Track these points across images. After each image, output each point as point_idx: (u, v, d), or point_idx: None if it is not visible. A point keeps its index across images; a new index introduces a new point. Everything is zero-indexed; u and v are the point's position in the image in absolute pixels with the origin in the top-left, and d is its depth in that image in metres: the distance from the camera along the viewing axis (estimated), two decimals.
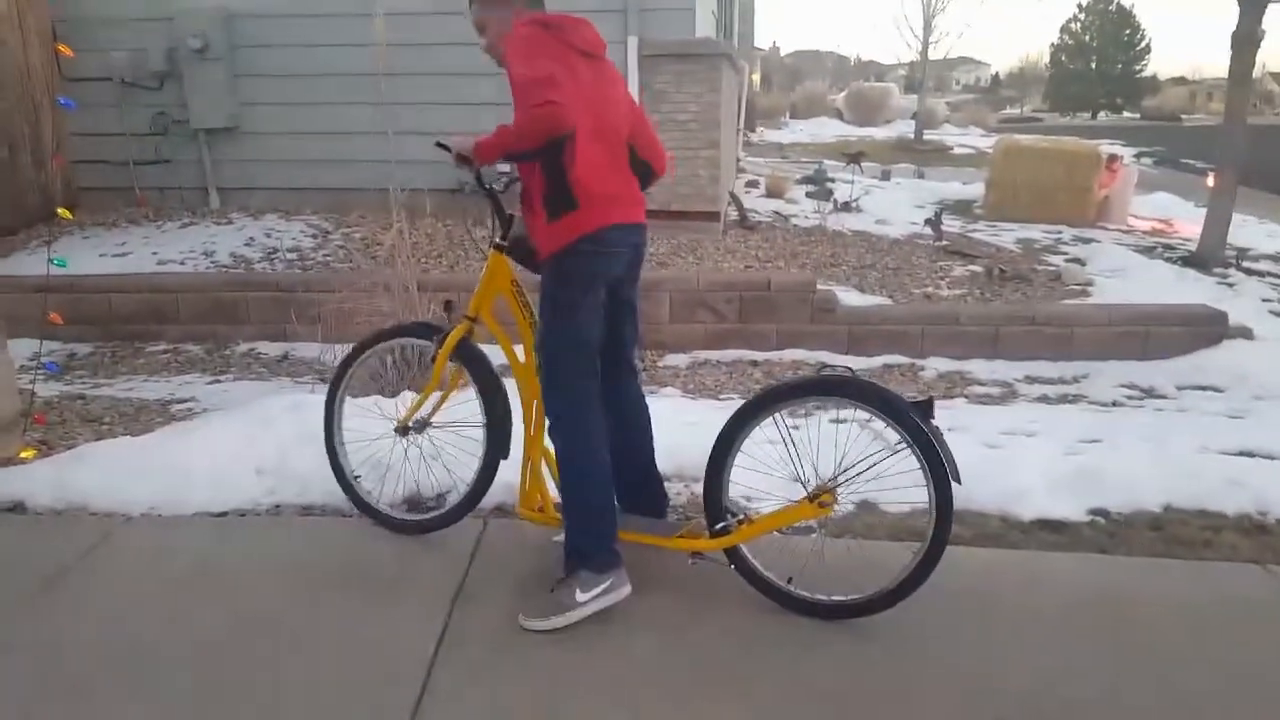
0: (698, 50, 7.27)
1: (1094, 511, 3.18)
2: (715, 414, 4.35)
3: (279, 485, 3.24)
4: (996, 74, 68.06)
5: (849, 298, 6.15)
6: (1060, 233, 9.06)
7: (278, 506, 3.20)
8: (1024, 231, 9.03)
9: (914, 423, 2.34)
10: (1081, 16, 48.24)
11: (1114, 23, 46.78)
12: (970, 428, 4.04)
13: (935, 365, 5.56)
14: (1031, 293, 6.70)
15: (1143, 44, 48.24)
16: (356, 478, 3.08)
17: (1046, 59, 53.02)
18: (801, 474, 2.53)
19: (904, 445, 2.37)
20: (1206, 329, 5.78)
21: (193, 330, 5.98)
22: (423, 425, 2.92)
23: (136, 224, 7.33)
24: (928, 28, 22.77)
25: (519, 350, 2.81)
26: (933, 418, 2.37)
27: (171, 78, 7.46)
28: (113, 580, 2.72)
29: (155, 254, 6.67)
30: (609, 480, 2.61)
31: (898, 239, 8.33)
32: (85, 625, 2.49)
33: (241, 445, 3.42)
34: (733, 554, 2.59)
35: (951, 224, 9.18)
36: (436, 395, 2.89)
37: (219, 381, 5.26)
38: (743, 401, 2.59)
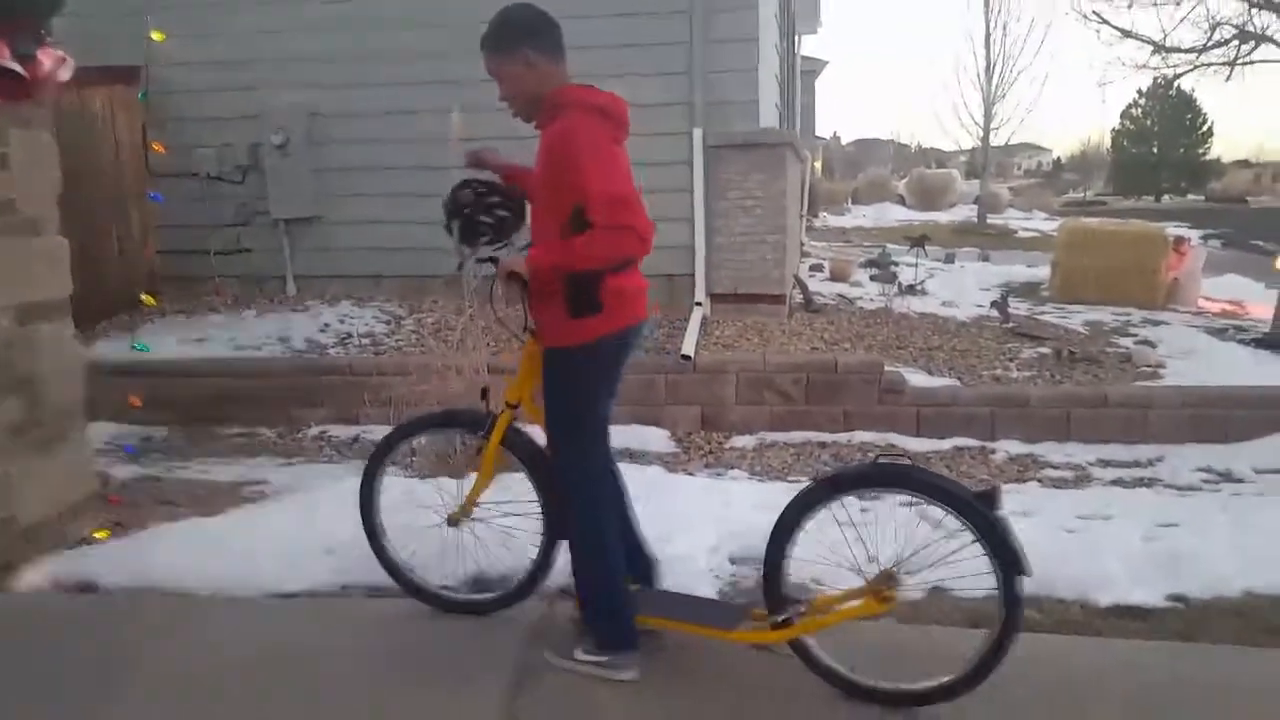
0: (762, 140, 7.44)
1: (1173, 598, 3.08)
2: (782, 497, 4.29)
3: (348, 565, 3.27)
4: (1058, 158, 67.83)
5: (916, 379, 6.07)
6: (1129, 315, 8.86)
7: (346, 587, 3.23)
8: (1092, 314, 8.86)
9: (979, 513, 2.29)
10: (1142, 102, 48.07)
11: (1175, 108, 46.44)
12: (1044, 511, 3.93)
13: (1006, 448, 5.43)
14: (1102, 375, 6.54)
15: (1205, 127, 47.74)
16: (405, 563, 3.07)
17: (1108, 143, 52.75)
18: (861, 564, 2.48)
19: (970, 536, 2.31)
20: None
21: (266, 414, 6.15)
22: (468, 512, 2.93)
23: (216, 311, 7.64)
24: (988, 115, 22.91)
25: None
26: (998, 507, 2.31)
27: (254, 171, 7.86)
28: (180, 661, 2.76)
29: (232, 339, 6.92)
30: (621, 565, 2.65)
31: (964, 321, 8.24)
32: (152, 705, 2.51)
33: (311, 526, 3.48)
34: (796, 645, 2.54)
35: (1018, 306, 9.06)
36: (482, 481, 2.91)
37: (290, 465, 5.38)
38: (801, 489, 2.57)
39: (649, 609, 2.72)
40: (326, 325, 7.18)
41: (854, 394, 5.86)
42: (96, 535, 3.65)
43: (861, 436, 5.68)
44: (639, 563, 2.87)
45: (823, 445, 5.64)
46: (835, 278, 9.97)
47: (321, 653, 2.77)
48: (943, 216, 25.20)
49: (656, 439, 5.74)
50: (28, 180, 3.41)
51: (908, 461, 2.44)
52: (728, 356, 6.29)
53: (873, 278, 9.89)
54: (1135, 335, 7.94)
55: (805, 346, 6.78)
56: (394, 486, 3.11)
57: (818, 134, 27.53)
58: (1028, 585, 2.96)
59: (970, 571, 2.30)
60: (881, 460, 2.48)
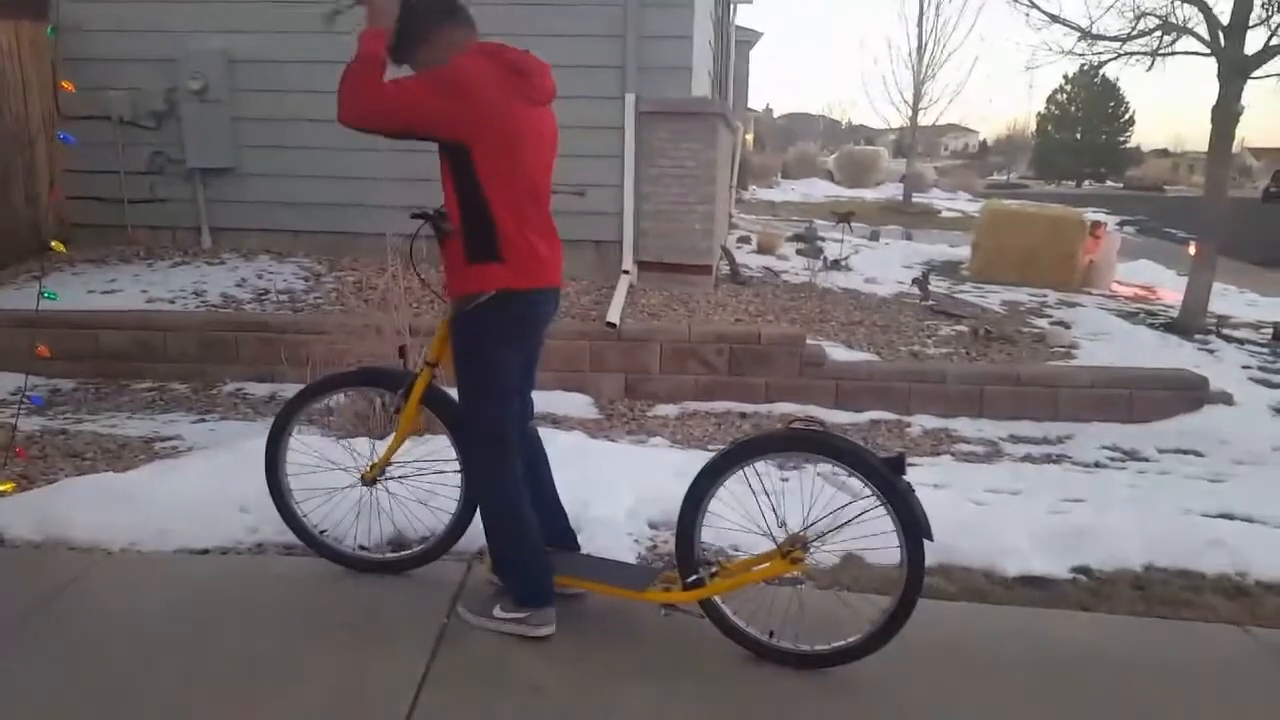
0: (694, 109, 7.42)
1: (1077, 569, 3.20)
2: (702, 464, 4.36)
3: (262, 524, 3.21)
4: (984, 141, 69.47)
5: (837, 353, 6.20)
6: (1045, 296, 9.19)
7: (260, 545, 3.17)
8: (1009, 294, 9.16)
9: (885, 479, 2.35)
10: (1068, 88, 49.50)
11: (1099, 95, 48.00)
12: (955, 484, 4.07)
13: (921, 422, 5.60)
14: (1016, 354, 6.77)
15: (1126, 116, 49.49)
16: (313, 523, 3.01)
17: (1033, 128, 54.23)
18: (773, 528, 2.53)
19: (876, 501, 2.37)
20: (1188, 393, 5.85)
21: (180, 369, 5.97)
22: (383, 471, 2.91)
23: (127, 262, 7.33)
24: (917, 94, 23.30)
25: None
26: (904, 474, 2.39)
27: (170, 118, 7.52)
28: (90, 615, 2.69)
29: (145, 292, 6.67)
30: (533, 522, 2.65)
31: (886, 298, 8.43)
32: (59, 660, 2.45)
33: (225, 483, 3.40)
34: (706, 605, 2.58)
35: (938, 285, 9.31)
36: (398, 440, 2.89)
37: (204, 420, 5.23)
38: (714, 454, 2.60)
39: (563, 570, 2.73)
40: (243, 280, 6.97)
41: (776, 366, 5.96)
42: (2, 488, 3.51)
43: (782, 408, 5.78)
44: (558, 531, 2.88)
45: (744, 415, 5.74)
46: (762, 250, 10.08)
47: (235, 610, 2.72)
48: (869, 194, 25.66)
49: (579, 405, 5.76)
50: None
51: (820, 428, 2.48)
52: (653, 325, 6.32)
53: (799, 252, 10.04)
54: (1050, 316, 8.24)
55: (730, 318, 6.85)
56: (308, 445, 3.04)
57: (750, 106, 27.60)
58: (938, 554, 3.12)
59: (878, 537, 2.36)
60: (794, 426, 2.53)
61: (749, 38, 21.25)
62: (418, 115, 2.38)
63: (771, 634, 2.53)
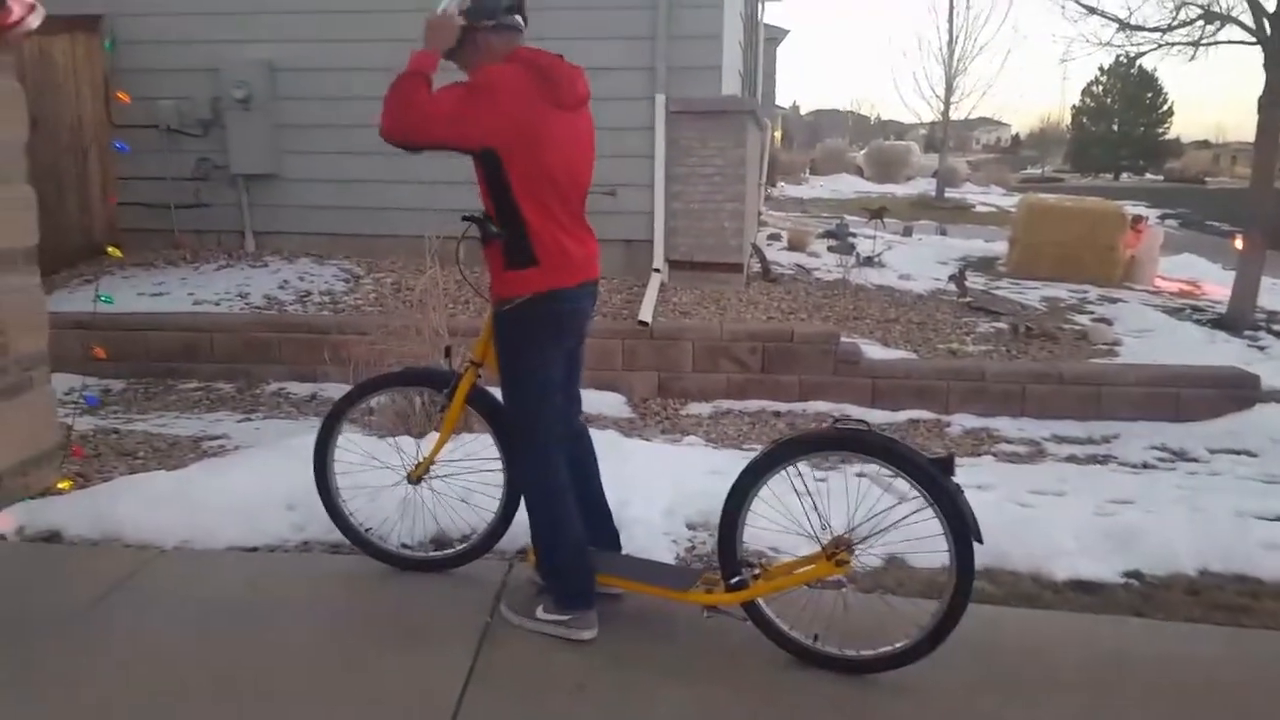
0: (724, 107, 7.42)
1: (1128, 574, 3.13)
2: (739, 464, 4.35)
3: (308, 522, 3.26)
4: (1017, 134, 68.54)
5: (873, 351, 6.17)
6: (1086, 292, 9.06)
7: (307, 543, 3.23)
8: (1049, 290, 9.04)
9: (933, 480, 2.31)
10: (1104, 80, 48.66)
11: (1136, 86, 47.12)
12: (999, 486, 4.02)
13: (961, 421, 5.55)
14: (1058, 351, 6.70)
15: (1165, 107, 48.55)
16: (360, 521, 3.05)
17: (1068, 120, 53.41)
18: (816, 530, 2.49)
19: (923, 502, 2.33)
20: (1238, 392, 5.73)
21: (225, 369, 6.08)
22: (428, 470, 2.94)
23: (174, 265, 7.48)
24: (949, 88, 23.05)
25: None
26: (952, 474, 2.34)
27: (215, 125, 7.68)
28: (144, 612, 2.74)
29: (191, 294, 6.80)
30: (577, 523, 2.66)
31: (921, 294, 8.36)
32: (114, 655, 2.51)
33: (272, 482, 3.45)
34: (749, 608, 2.55)
35: (975, 281, 9.22)
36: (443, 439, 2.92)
37: (249, 419, 5.33)
38: (757, 453, 2.58)
39: (604, 569, 2.74)
40: (285, 282, 7.08)
41: (810, 364, 5.93)
42: (60, 486, 3.60)
43: (817, 406, 5.76)
44: (604, 531, 2.90)
45: (778, 414, 5.72)
46: (793, 247, 10.03)
47: (283, 607, 2.77)
48: (900, 189, 25.40)
49: (613, 404, 5.78)
50: None
51: (866, 427, 2.44)
52: (685, 324, 6.33)
53: (830, 249, 9.97)
54: (1092, 312, 8.13)
55: (762, 315, 6.84)
56: (354, 445, 3.09)
57: (777, 103, 27.45)
58: (984, 557, 3.07)
59: (925, 539, 2.32)
60: (839, 425, 2.49)
61: (776, 35, 21.15)
62: (453, 127, 2.45)
63: (816, 638, 2.51)
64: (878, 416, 5.54)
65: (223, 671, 2.44)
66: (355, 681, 2.40)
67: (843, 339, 6.05)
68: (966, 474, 4.32)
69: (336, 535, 3.12)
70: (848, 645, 2.48)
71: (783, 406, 5.80)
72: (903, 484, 2.38)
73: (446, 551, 3.06)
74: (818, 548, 2.50)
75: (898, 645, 2.43)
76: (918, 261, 10.15)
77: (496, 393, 2.81)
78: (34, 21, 3.28)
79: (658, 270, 7.21)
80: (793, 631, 2.53)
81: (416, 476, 2.94)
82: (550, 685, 2.42)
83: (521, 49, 2.57)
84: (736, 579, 2.53)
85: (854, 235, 10.58)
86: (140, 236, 7.67)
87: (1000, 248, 11.48)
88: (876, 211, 11.59)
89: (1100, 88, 49.09)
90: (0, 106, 3.37)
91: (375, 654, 2.52)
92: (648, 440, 4.89)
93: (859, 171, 30.86)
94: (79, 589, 2.84)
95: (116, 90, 4.76)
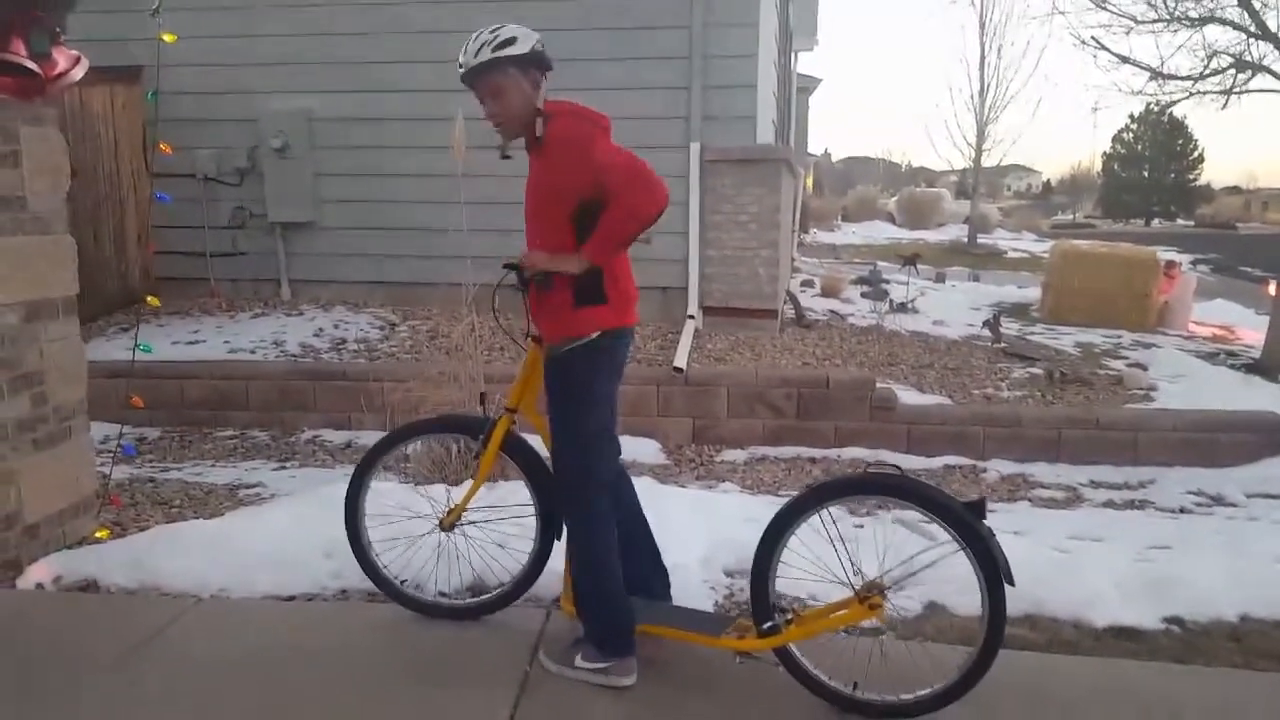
0: (758, 156, 7.50)
1: (1168, 620, 3.08)
2: (774, 510, 4.33)
3: (345, 570, 3.27)
4: (1048, 181, 68.41)
5: (908, 397, 6.13)
6: (1120, 338, 8.96)
7: (344, 591, 3.24)
8: (1082, 335, 8.96)
9: (965, 523, 2.30)
10: (1134, 127, 48.59)
11: (1166, 133, 47.00)
12: (1035, 531, 3.97)
13: (997, 467, 5.48)
14: (1093, 397, 6.61)
15: (1196, 153, 48.32)
16: (392, 571, 3.05)
17: (1098, 167, 53.27)
18: (849, 575, 2.48)
19: (955, 546, 2.32)
20: (1274, 436, 5.65)
21: (260, 417, 6.15)
22: (460, 517, 2.94)
23: (210, 314, 7.63)
24: (980, 136, 23.11)
25: None
26: (984, 518, 2.33)
27: (252, 174, 7.87)
28: (182, 660, 2.76)
29: (227, 342, 6.92)
30: (618, 571, 2.64)
31: (955, 340, 8.31)
32: (150, 705, 2.52)
33: (309, 530, 3.48)
34: (782, 654, 2.53)
35: (1009, 327, 9.16)
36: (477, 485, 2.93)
37: (284, 468, 5.38)
38: (790, 498, 2.57)
39: (639, 616, 2.72)
40: (321, 330, 7.19)
41: (845, 410, 5.90)
42: (98, 535, 3.64)
43: (852, 452, 5.72)
44: (657, 571, 2.90)
45: (813, 461, 5.68)
46: (826, 294, 10.04)
47: (320, 656, 2.77)
48: (932, 236, 25.37)
49: (648, 450, 5.77)
50: (38, 178, 3.41)
51: (898, 471, 2.44)
52: (720, 370, 6.33)
53: (864, 295, 9.96)
54: (1126, 358, 8.03)
55: (797, 362, 6.83)
56: (389, 493, 3.11)
57: (810, 150, 27.67)
58: (1023, 604, 3.04)
59: (958, 584, 2.31)
60: (871, 470, 2.50)
61: (808, 84, 21.40)
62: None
63: (856, 685, 2.47)
64: (913, 462, 5.49)
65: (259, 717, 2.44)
66: None
67: (878, 385, 6.02)
68: (1003, 519, 4.30)
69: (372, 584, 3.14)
70: (883, 691, 2.45)
71: (818, 453, 5.76)
72: (935, 528, 2.36)
73: (482, 598, 3.05)
74: (851, 593, 2.48)
75: (929, 690, 2.40)
76: (951, 307, 10.11)
77: (533, 441, 2.83)
78: (78, 74, 3.36)
79: (692, 317, 7.25)
80: (826, 677, 2.50)
81: (449, 524, 2.95)
82: None
83: (560, 102, 2.62)
84: (769, 624, 2.51)
85: (887, 281, 10.57)
86: (177, 285, 7.85)
87: (1033, 293, 11.42)
88: (909, 258, 11.59)
89: (1131, 134, 49.01)
90: (43, 157, 3.46)
91: (414, 703, 2.52)
92: (683, 487, 4.87)
93: (890, 218, 30.89)
94: (116, 638, 2.87)
95: (157, 140, 4.88)
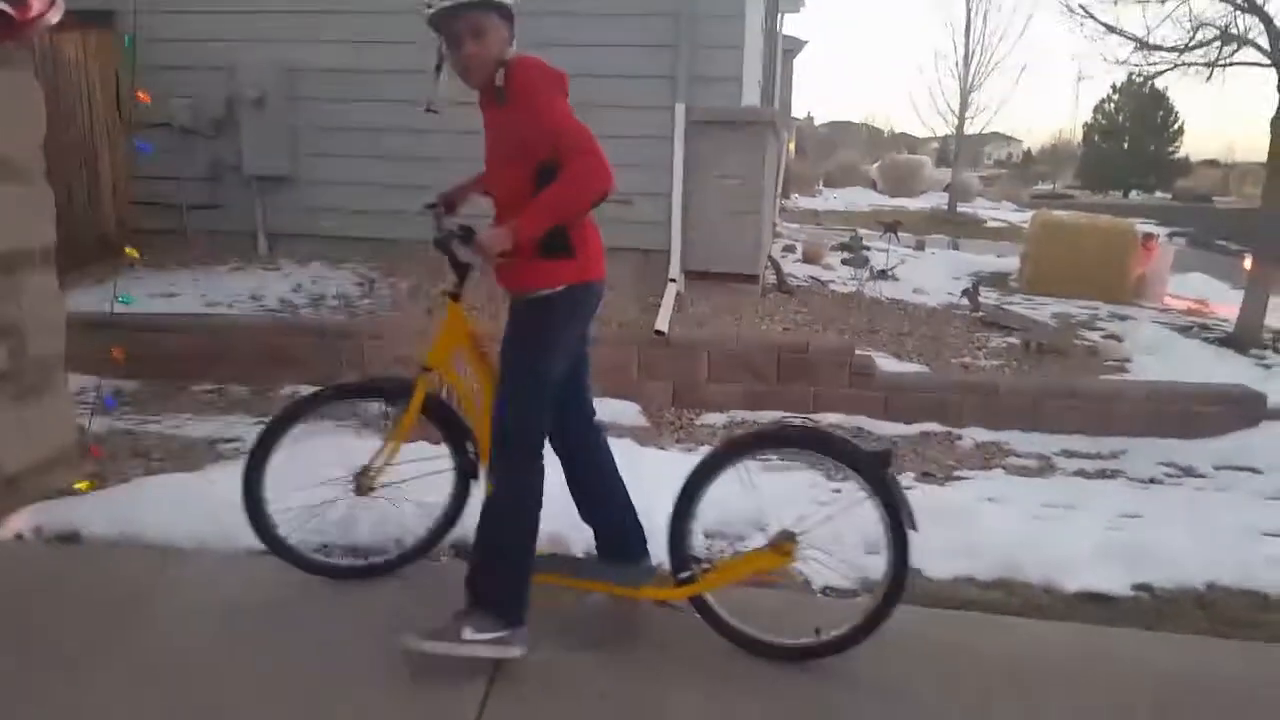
0: (744, 118, 7.45)
1: (1138, 587, 3.17)
2: (753, 474, 4.37)
3: (325, 525, 3.27)
4: (1028, 150, 68.46)
5: (887, 364, 6.18)
6: (1096, 309, 9.07)
7: (325, 545, 3.24)
8: (1060, 306, 9.05)
9: (872, 471, 2.41)
10: (1115, 98, 48.65)
11: (1148, 105, 47.10)
12: (1010, 499, 4.04)
13: (973, 435, 5.55)
14: (1069, 367, 6.70)
15: (1176, 125, 48.51)
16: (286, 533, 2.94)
17: (1079, 137, 53.39)
18: (764, 524, 2.64)
19: (865, 494, 2.43)
20: (1245, 410, 5.74)
21: (238, 372, 6.09)
22: (375, 480, 2.85)
23: (186, 267, 7.52)
24: (964, 103, 23.09)
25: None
26: (889, 466, 2.44)
27: (229, 125, 7.73)
28: (166, 612, 2.77)
29: (204, 296, 6.83)
30: (535, 536, 2.57)
31: (934, 308, 8.38)
32: (136, 656, 2.53)
33: (288, 485, 3.47)
34: (697, 602, 2.62)
35: (988, 296, 9.23)
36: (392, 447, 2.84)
37: (263, 422, 5.32)
38: (706, 453, 2.65)
39: (557, 571, 2.73)
40: (299, 285, 7.12)
41: (824, 376, 5.94)
42: (78, 486, 3.62)
43: (830, 418, 5.74)
44: (633, 534, 2.86)
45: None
46: (808, 260, 10.06)
47: (299, 608, 2.79)
48: (913, 203, 25.44)
49: (628, 413, 5.78)
50: (12, 125, 3.34)
51: (812, 425, 2.58)
52: (701, 334, 6.34)
53: (845, 261, 10.00)
54: (1102, 329, 8.13)
55: (777, 327, 6.85)
56: (302, 453, 2.94)
57: (793, 114, 27.52)
58: (997, 569, 3.11)
59: (868, 532, 2.47)
60: (786, 423, 2.61)
61: (793, 46, 21.20)
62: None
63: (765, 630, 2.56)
64: (891, 429, 5.56)
65: (242, 672, 2.46)
66: (370, 688, 2.41)
67: (857, 352, 6.06)
68: (978, 486, 4.38)
69: (351, 538, 3.15)
70: (794, 635, 2.56)
71: (796, 418, 5.78)
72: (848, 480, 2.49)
73: (371, 560, 3.04)
74: (764, 542, 2.61)
75: (842, 630, 2.51)
76: (931, 275, 10.17)
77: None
78: (54, 17, 3.27)
79: (674, 280, 7.23)
80: (740, 624, 2.60)
81: (365, 487, 2.85)
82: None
83: (524, 55, 2.51)
84: (685, 574, 2.60)
85: (868, 249, 10.60)
86: (153, 237, 7.71)
87: (1012, 263, 11.49)
88: (890, 225, 11.62)
89: (1112, 105, 49.07)
90: (17, 103, 3.37)
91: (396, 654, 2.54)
92: (663, 449, 4.91)
93: (872, 185, 30.91)
94: (98, 589, 2.87)
95: (134, 89, 4.76)
